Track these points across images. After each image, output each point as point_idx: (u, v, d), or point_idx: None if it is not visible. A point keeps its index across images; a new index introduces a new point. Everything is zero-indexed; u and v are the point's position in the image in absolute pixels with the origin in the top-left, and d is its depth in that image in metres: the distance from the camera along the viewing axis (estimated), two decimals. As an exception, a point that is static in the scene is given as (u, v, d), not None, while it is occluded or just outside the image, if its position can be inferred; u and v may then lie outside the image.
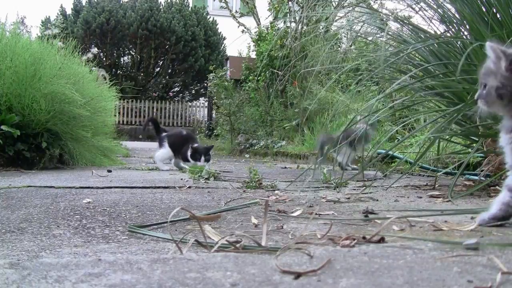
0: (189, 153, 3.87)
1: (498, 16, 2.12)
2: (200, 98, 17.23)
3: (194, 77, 16.75)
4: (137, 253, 1.11)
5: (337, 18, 3.75)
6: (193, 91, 17.65)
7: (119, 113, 13.88)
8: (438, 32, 2.54)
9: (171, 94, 17.47)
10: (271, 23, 8.95)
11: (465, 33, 2.44)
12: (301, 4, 7.84)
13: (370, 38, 2.96)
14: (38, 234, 1.31)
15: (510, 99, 1.26)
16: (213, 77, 9.29)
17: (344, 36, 4.11)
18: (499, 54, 1.25)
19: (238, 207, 1.78)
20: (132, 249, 1.14)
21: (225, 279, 0.76)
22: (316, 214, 1.62)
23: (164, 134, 4.05)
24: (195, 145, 3.92)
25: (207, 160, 3.80)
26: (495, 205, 1.32)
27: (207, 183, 2.84)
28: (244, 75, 9.59)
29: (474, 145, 2.37)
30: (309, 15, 4.10)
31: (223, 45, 17.04)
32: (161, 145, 4.03)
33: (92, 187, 2.44)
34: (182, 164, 3.97)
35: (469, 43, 2.08)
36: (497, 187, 2.17)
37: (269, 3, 9.12)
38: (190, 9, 16.73)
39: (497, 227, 1.31)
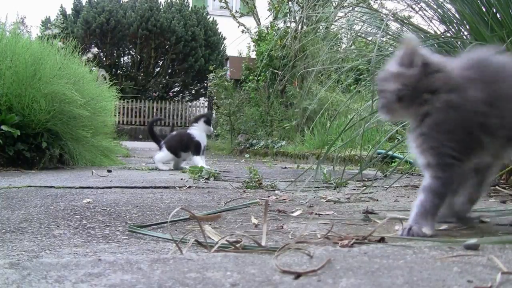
0: (203, 120, 4.14)
1: (498, 16, 2.12)
2: (200, 98, 17.25)
3: (194, 77, 16.76)
4: (137, 253, 1.11)
5: (337, 18, 3.75)
6: (193, 91, 17.67)
7: (119, 113, 13.90)
8: (438, 32, 2.54)
9: (171, 94, 17.48)
10: (271, 23, 8.95)
11: (465, 33, 2.44)
12: (301, 4, 7.84)
13: (370, 38, 2.96)
14: (38, 234, 1.30)
15: (411, 100, 1.18)
16: (213, 77, 9.29)
17: (344, 36, 4.11)
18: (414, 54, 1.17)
19: (238, 207, 1.78)
20: (132, 249, 1.14)
21: (225, 279, 0.76)
22: (316, 214, 1.62)
23: (162, 142, 4.19)
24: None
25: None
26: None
27: (207, 183, 2.84)
28: (244, 75, 9.60)
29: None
30: (309, 15, 4.10)
31: (223, 45, 17.05)
32: (160, 149, 4.17)
33: (92, 187, 2.44)
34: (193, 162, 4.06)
35: (469, 43, 2.08)
36: (497, 187, 2.17)
37: (269, 3, 9.13)
38: (190, 9, 16.74)
39: (498, 225, 1.31)
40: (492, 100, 1.15)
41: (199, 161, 3.93)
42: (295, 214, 1.63)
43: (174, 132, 4.35)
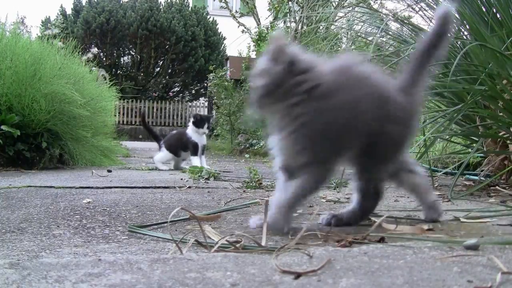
0: (192, 121, 4.13)
1: (498, 16, 2.12)
2: (200, 98, 17.24)
3: (194, 77, 16.76)
4: (137, 253, 1.11)
5: (337, 18, 3.76)
6: (193, 91, 17.66)
7: (119, 113, 13.89)
8: (438, 32, 2.54)
9: (171, 94, 17.48)
10: (271, 23, 8.95)
11: (465, 33, 2.44)
12: (301, 4, 7.84)
13: (370, 38, 2.96)
14: (38, 234, 1.31)
15: (278, 97, 1.19)
16: (213, 77, 9.29)
17: (344, 36, 4.11)
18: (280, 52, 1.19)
19: (238, 207, 1.78)
20: (132, 249, 1.14)
21: (225, 279, 0.76)
22: (316, 214, 1.62)
23: (161, 141, 4.22)
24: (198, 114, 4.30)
25: (208, 128, 4.13)
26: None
27: (207, 183, 2.84)
28: (244, 75, 9.59)
29: (474, 145, 2.37)
30: (309, 15, 4.10)
31: (223, 45, 17.05)
32: (160, 149, 4.21)
33: (92, 187, 2.44)
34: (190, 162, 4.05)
35: (469, 43, 2.08)
36: (497, 187, 2.17)
37: (269, 3, 9.13)
38: (190, 9, 16.74)
39: (498, 225, 1.31)
40: (355, 107, 1.19)
41: (195, 161, 3.96)
42: (295, 214, 1.63)
43: (174, 132, 4.39)
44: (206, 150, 4.54)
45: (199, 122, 4.09)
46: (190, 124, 4.13)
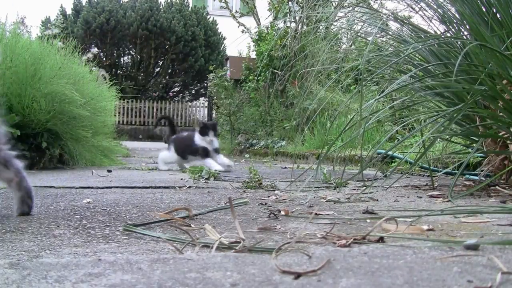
0: (197, 129, 3.99)
1: (498, 16, 2.12)
2: (200, 98, 17.26)
3: (194, 77, 16.77)
4: (137, 253, 1.11)
5: (337, 18, 3.76)
6: (193, 91, 17.68)
7: (119, 113, 13.91)
8: (438, 32, 2.54)
9: (171, 94, 17.49)
10: (271, 23, 8.94)
11: (465, 33, 2.44)
12: (301, 4, 7.85)
13: (370, 38, 2.96)
14: (38, 234, 1.31)
15: None
16: (213, 77, 9.29)
17: (344, 36, 4.11)
18: None
19: (225, 207, 1.78)
20: (132, 249, 1.14)
21: (225, 279, 0.77)
22: (316, 214, 1.62)
23: (171, 138, 4.13)
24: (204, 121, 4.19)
25: (215, 135, 3.98)
26: None
27: (207, 183, 2.84)
28: (244, 75, 9.59)
29: (474, 145, 2.37)
30: (309, 15, 4.10)
31: (223, 45, 17.07)
32: (168, 148, 4.12)
33: (92, 187, 2.44)
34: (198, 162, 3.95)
35: (469, 43, 2.08)
36: (497, 187, 2.17)
37: (269, 3, 9.12)
38: (190, 9, 16.75)
39: (498, 225, 1.31)
40: None
41: (211, 163, 3.77)
42: (295, 214, 1.63)
43: (184, 133, 4.24)
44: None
45: (203, 130, 3.93)
46: (197, 132, 3.97)
